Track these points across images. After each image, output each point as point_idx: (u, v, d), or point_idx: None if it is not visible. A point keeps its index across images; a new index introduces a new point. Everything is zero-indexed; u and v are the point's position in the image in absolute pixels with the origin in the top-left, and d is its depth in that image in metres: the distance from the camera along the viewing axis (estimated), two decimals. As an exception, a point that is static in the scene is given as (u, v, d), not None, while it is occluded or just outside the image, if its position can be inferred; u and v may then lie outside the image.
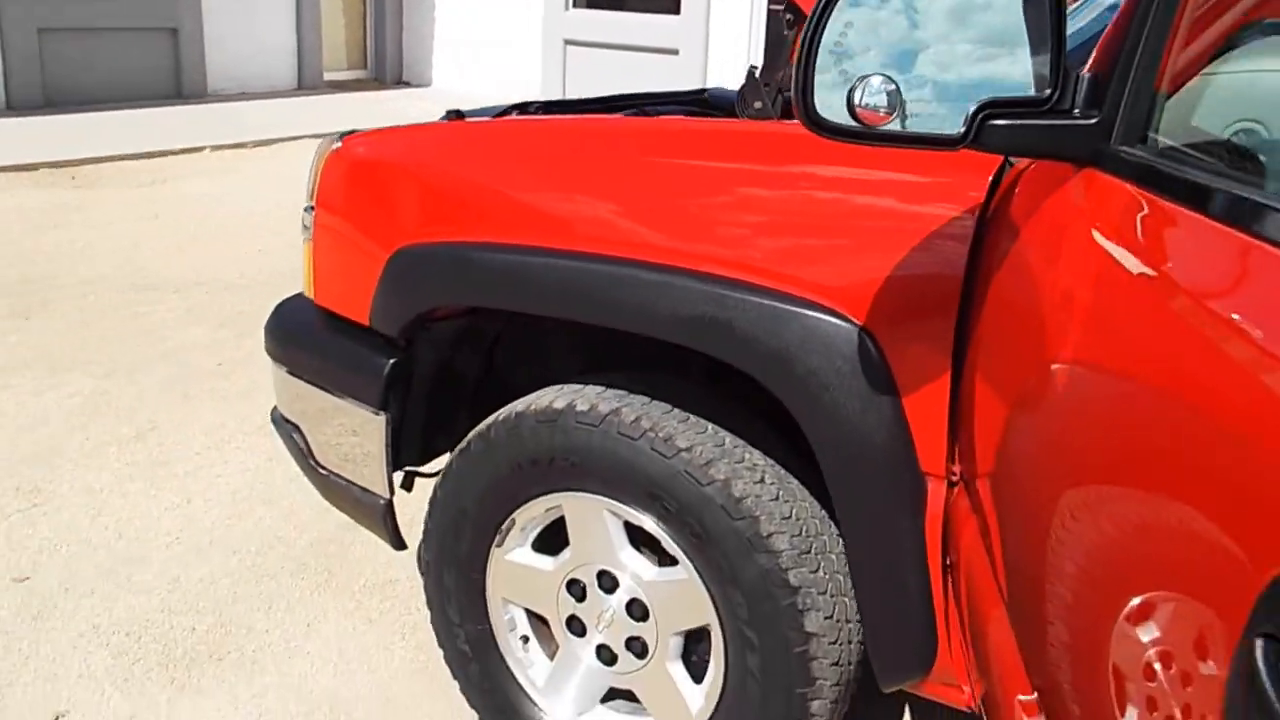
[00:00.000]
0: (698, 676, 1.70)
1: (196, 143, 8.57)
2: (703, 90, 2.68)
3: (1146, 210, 0.96)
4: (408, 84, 12.38)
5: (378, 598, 2.46)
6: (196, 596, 2.43)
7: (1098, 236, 1.01)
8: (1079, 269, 1.01)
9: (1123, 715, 0.86)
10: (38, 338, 4.10)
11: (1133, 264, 0.93)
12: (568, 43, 10.19)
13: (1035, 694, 1.08)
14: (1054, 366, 1.01)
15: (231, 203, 6.74)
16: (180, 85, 11.24)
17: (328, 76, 12.12)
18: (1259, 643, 0.64)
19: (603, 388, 1.67)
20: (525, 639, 1.88)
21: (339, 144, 1.95)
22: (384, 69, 12.49)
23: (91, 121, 9.32)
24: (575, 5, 10.20)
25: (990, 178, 1.34)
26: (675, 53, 9.26)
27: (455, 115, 1.99)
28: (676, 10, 9.37)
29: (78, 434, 3.26)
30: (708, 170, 1.56)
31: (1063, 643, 0.99)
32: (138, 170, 7.77)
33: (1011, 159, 1.34)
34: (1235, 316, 0.79)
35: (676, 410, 1.61)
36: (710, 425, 1.60)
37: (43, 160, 7.60)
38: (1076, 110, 1.06)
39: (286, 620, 2.36)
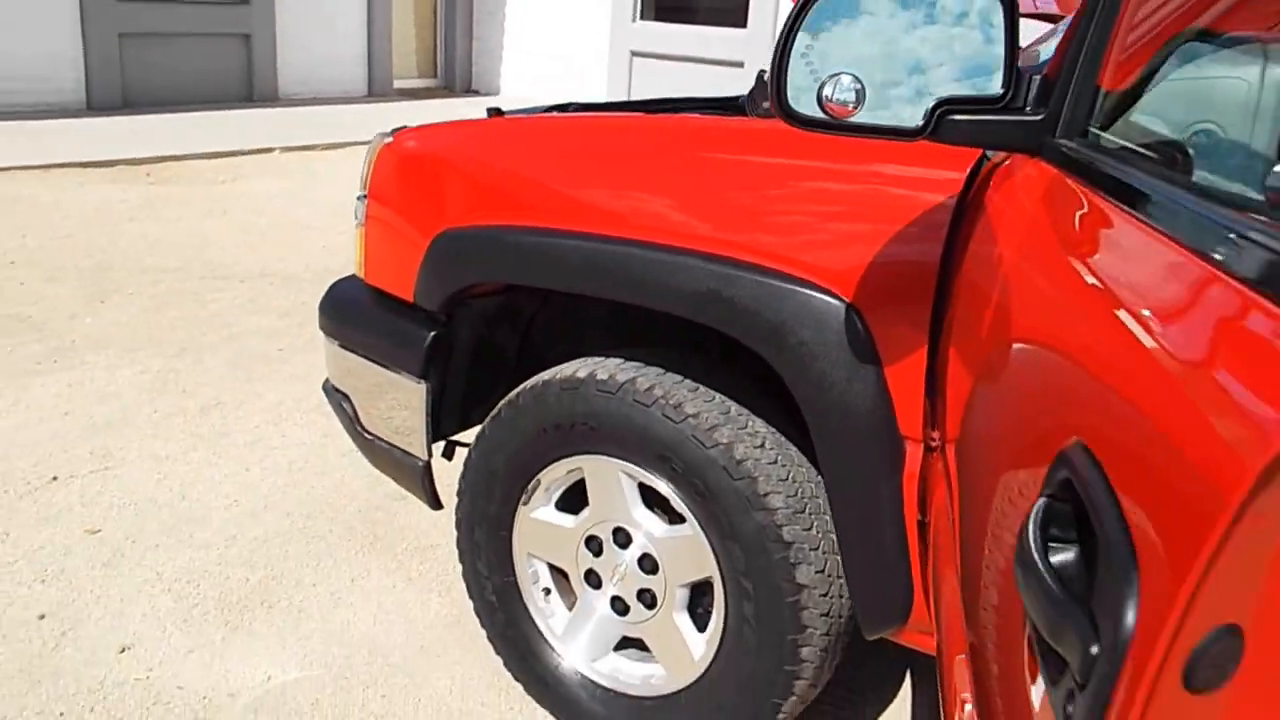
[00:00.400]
0: (701, 626, 1.85)
1: (267, 144, 8.91)
2: (738, 96, 2.84)
3: (1073, 198, 1.09)
4: (476, 92, 12.67)
5: (418, 560, 2.64)
6: (251, 552, 2.64)
7: (1035, 221, 1.15)
8: (1017, 251, 1.15)
9: (1033, 682, 0.87)
10: (112, 320, 4.37)
11: (1053, 246, 1.07)
12: (634, 54, 10.39)
13: (968, 652, 1.18)
14: (993, 340, 1.15)
15: (299, 202, 7.03)
16: (252, 89, 11.64)
17: (398, 84, 12.46)
18: (1039, 502, 0.77)
19: (622, 360, 1.84)
20: (547, 591, 2.04)
21: (391, 138, 2.14)
22: (453, 77, 12.79)
23: (167, 122, 9.71)
24: (642, 17, 10.41)
25: (968, 170, 1.48)
26: (740, 65, 9.39)
27: (495, 112, 2.18)
28: (743, 24, 9.52)
29: (147, 407, 3.50)
30: (716, 162, 1.72)
31: (988, 604, 1.08)
32: (209, 169, 8.10)
33: (989, 154, 1.49)
34: (1126, 298, 0.89)
35: (687, 382, 1.77)
36: (717, 395, 1.75)
37: (120, 158, 7.96)
38: (1027, 107, 1.21)
39: (332, 575, 2.55)
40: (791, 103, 1.17)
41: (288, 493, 2.96)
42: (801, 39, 1.15)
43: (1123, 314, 0.81)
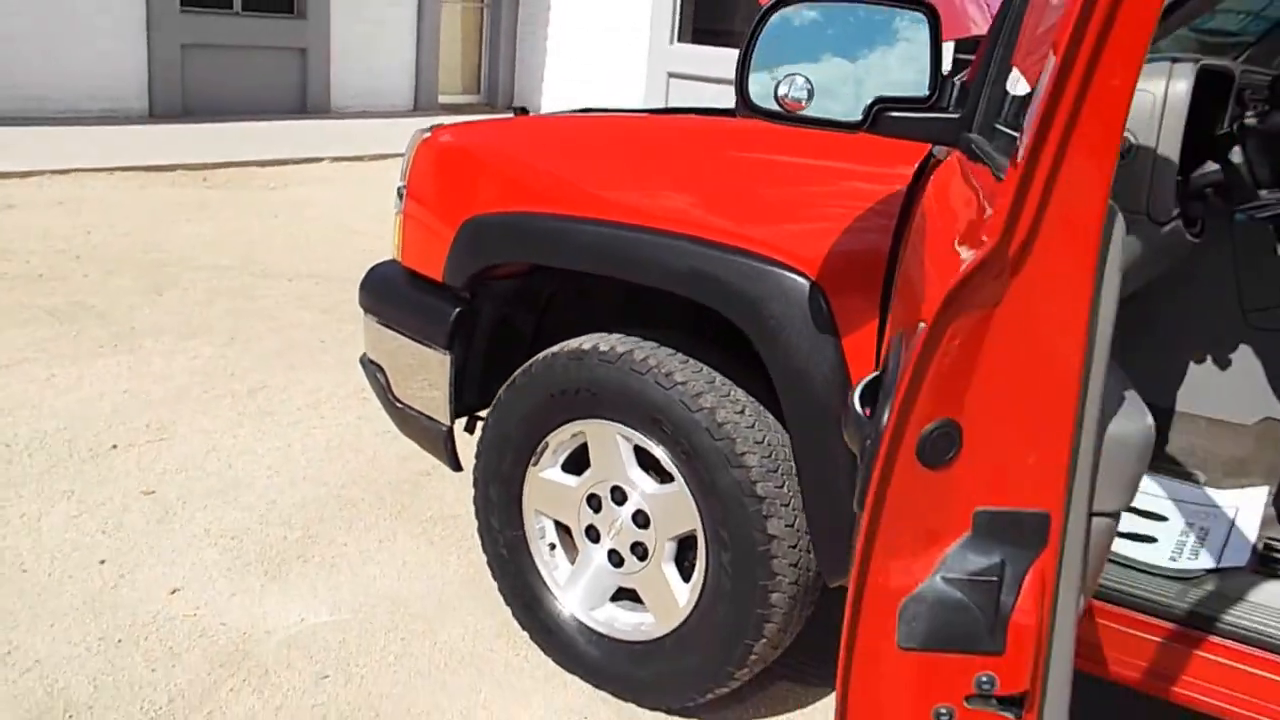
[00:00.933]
0: (686, 577, 2.06)
1: (317, 154, 9.26)
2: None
3: (969, 183, 1.30)
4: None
5: (441, 526, 2.87)
6: (289, 515, 2.88)
7: (933, 205, 1.36)
8: (928, 231, 1.36)
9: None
10: (168, 311, 4.67)
11: (937, 225, 1.28)
12: (671, 75, 10.65)
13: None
14: (905, 316, 1.35)
15: (344, 208, 7.34)
16: (306, 101, 12.04)
17: (442, 99, 12.84)
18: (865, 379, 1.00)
19: (623, 335, 2.06)
20: (552, 545, 2.26)
21: (429, 134, 2.39)
22: (496, 94, 13.15)
23: (224, 131, 10.10)
24: (679, 39, 10.68)
25: (917, 165, 1.70)
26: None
27: (520, 112, 2.42)
28: (775, 47, 9.74)
29: (198, 387, 3.77)
30: (707, 157, 1.94)
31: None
32: (262, 175, 8.45)
33: (935, 151, 1.70)
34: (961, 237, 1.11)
35: (678, 355, 1.99)
36: (705, 368, 1.97)
37: (179, 163, 8.33)
38: (949, 107, 1.42)
39: (363, 537, 2.79)
40: (753, 98, 1.39)
41: (325, 466, 3.21)
42: (762, 44, 1.37)
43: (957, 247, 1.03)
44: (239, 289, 5.13)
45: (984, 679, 0.85)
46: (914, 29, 1.37)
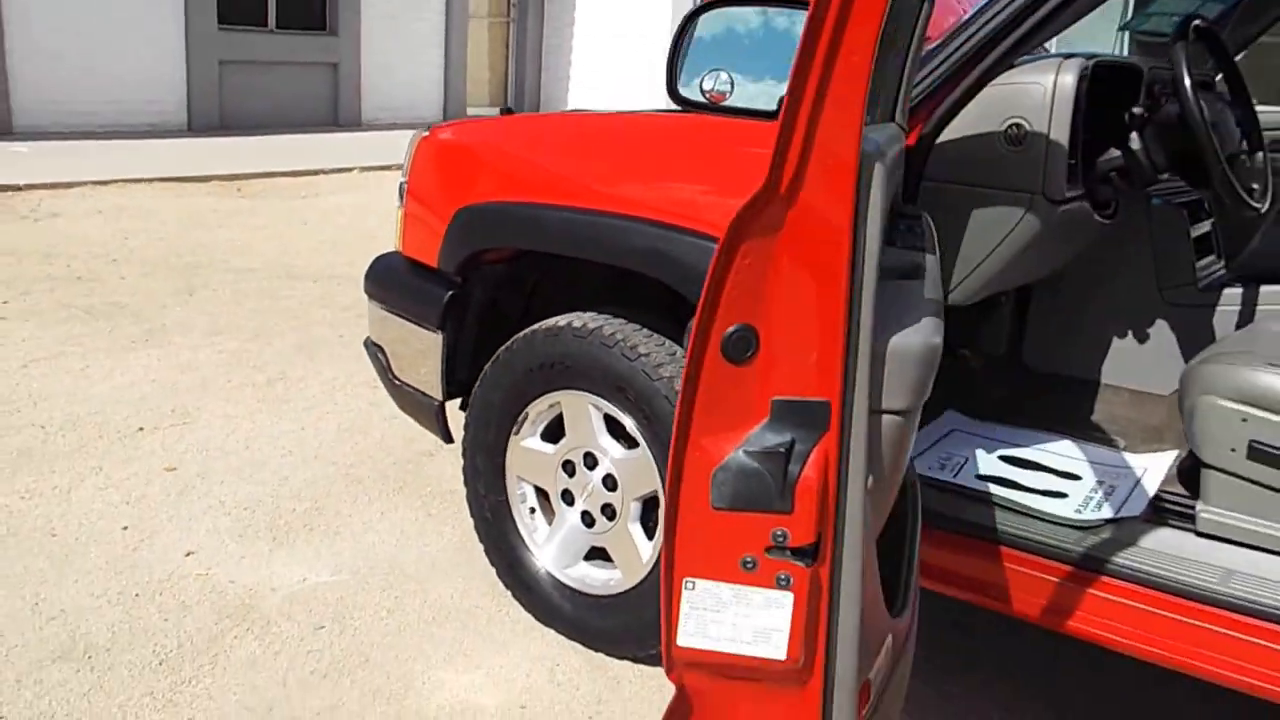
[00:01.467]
0: (650, 535, 2.24)
1: (347, 164, 9.56)
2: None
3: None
4: (542, 121, 13.25)
5: (439, 501, 3.07)
6: (299, 489, 3.09)
7: None
8: None
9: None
10: (198, 309, 4.92)
11: None
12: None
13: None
14: None
15: (370, 214, 7.61)
16: (338, 114, 12.39)
17: (470, 111, 13.14)
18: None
19: (595, 313, 2.24)
20: (532, 509, 2.44)
21: (427, 132, 2.60)
22: (522, 104, 13.42)
23: (259, 143, 10.44)
24: (702, 54, 10.89)
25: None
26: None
27: (507, 111, 2.62)
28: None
29: (221, 377, 4.00)
30: (662, 148, 2.13)
31: None
32: (294, 185, 8.75)
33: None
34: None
35: (644, 330, 2.17)
36: (667, 340, 2.15)
37: (214, 173, 8.65)
38: None
39: (366, 509, 2.99)
40: (681, 90, 1.57)
41: (335, 447, 3.42)
42: (689, 43, 1.56)
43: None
44: (266, 290, 5.38)
45: (779, 533, 1.04)
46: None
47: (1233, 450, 1.79)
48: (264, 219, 7.29)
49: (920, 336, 1.14)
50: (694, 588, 1.09)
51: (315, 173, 9.28)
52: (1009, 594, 1.85)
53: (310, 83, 12.19)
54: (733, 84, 1.54)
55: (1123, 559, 1.77)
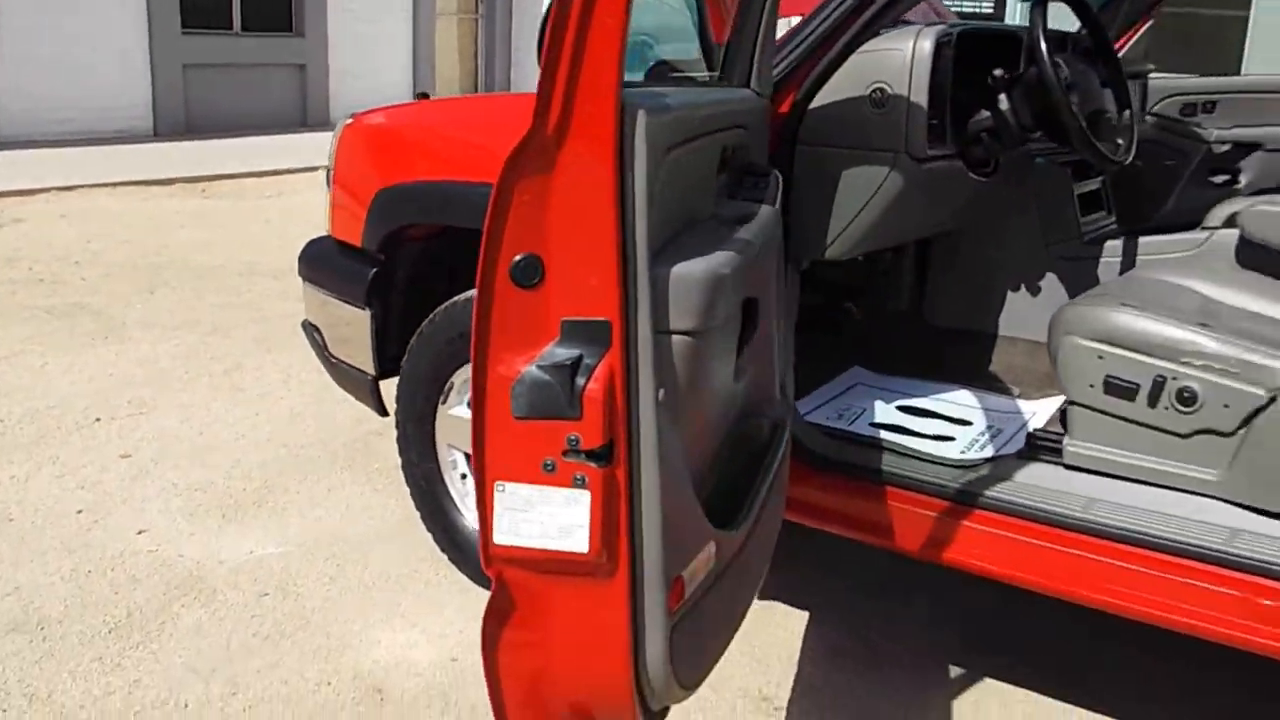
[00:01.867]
0: (571, 492, 2.35)
1: (314, 164, 9.63)
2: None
3: None
4: (510, 116, 13.32)
5: (384, 477, 3.18)
6: (250, 471, 3.20)
7: None
8: None
9: None
10: (159, 307, 5.02)
11: None
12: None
13: None
14: None
15: (333, 211, 7.68)
16: (306, 115, 12.44)
17: (437, 108, 13.20)
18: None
19: (511, 284, 2.36)
20: (464, 475, 2.56)
21: (351, 120, 2.71)
22: (488, 102, 13.49)
23: (225, 146, 10.50)
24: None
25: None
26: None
27: (422, 96, 2.73)
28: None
29: (179, 369, 4.10)
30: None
31: None
32: (259, 185, 8.83)
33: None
34: None
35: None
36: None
37: (179, 176, 8.72)
38: (714, 74, 1.71)
39: (314, 487, 3.11)
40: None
41: (287, 430, 3.52)
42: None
43: None
44: (227, 286, 5.47)
45: (572, 437, 1.17)
46: (691, 6, 1.67)
47: (1091, 386, 1.91)
48: (228, 219, 7.37)
49: (704, 265, 1.27)
50: (505, 490, 1.22)
51: (281, 173, 9.34)
52: (894, 532, 1.97)
53: (277, 85, 12.24)
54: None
55: (997, 493, 1.90)
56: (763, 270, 1.57)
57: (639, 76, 1.70)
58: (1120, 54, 3.47)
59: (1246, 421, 1.78)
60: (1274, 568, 1.67)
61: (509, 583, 1.29)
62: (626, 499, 1.23)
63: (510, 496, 1.23)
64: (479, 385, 1.23)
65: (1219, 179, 3.29)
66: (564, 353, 1.18)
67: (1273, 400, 1.77)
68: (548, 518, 1.22)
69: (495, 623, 1.32)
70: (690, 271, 1.26)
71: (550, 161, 1.17)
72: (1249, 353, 1.80)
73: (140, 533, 2.80)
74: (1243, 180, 3.29)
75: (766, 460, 1.70)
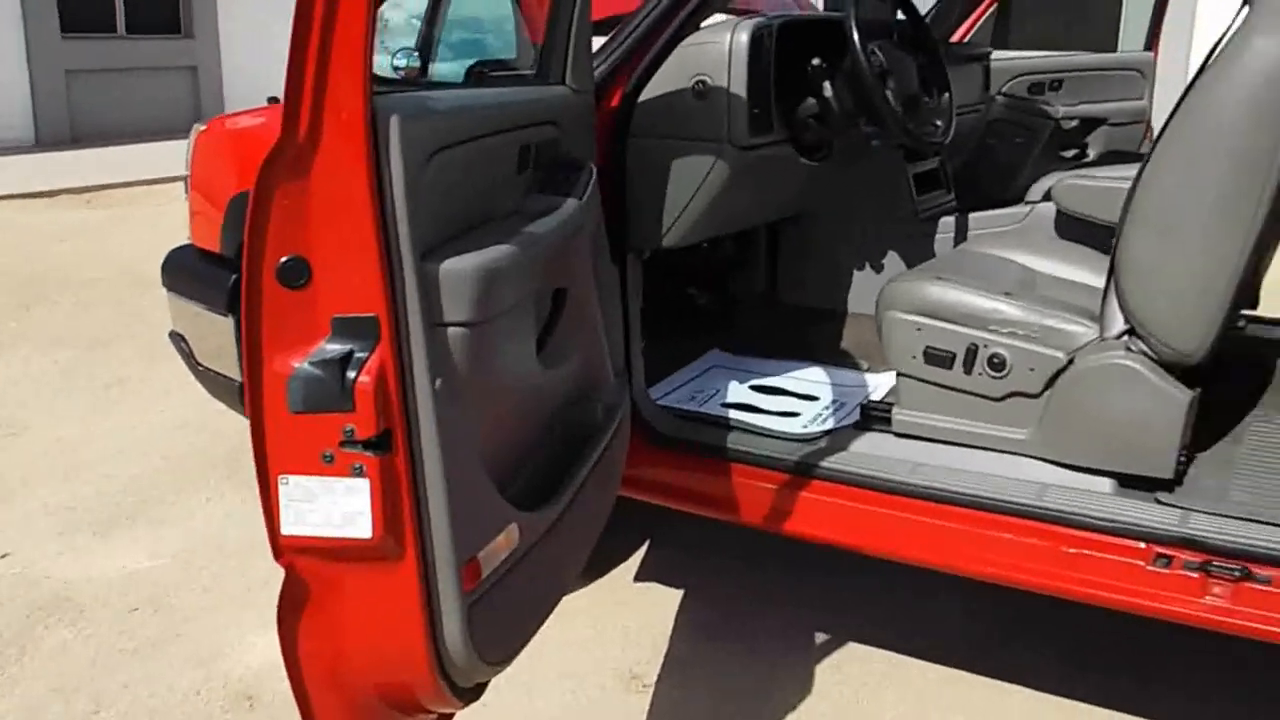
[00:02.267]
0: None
1: (204, 168, 9.42)
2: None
3: None
4: (409, 112, 13.18)
5: (264, 483, 3.16)
6: (125, 485, 3.16)
7: None
8: None
9: None
10: (36, 323, 4.89)
11: None
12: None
13: None
14: None
15: (225, 216, 7.54)
16: (200, 119, 12.15)
17: (336, 108, 12.99)
18: None
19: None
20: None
21: (204, 126, 2.68)
22: (388, 99, 13.32)
23: (113, 154, 10.22)
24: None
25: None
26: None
27: (274, 100, 2.71)
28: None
29: (56, 385, 4.01)
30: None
31: None
32: (149, 194, 8.63)
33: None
34: None
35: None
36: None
37: (62, 187, 8.47)
38: (531, 71, 1.75)
39: (191, 498, 3.08)
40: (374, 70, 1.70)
41: (168, 442, 3.48)
42: (380, 24, 1.69)
43: None
44: (111, 298, 5.35)
45: (348, 428, 1.21)
46: (503, 4, 1.70)
47: (914, 357, 2.00)
48: (115, 230, 7.19)
49: (476, 260, 1.32)
50: (288, 483, 1.26)
51: (173, 180, 9.11)
52: (738, 505, 2.04)
53: (168, 88, 11.93)
54: (426, 58, 1.67)
55: (832, 464, 1.98)
56: (567, 261, 1.62)
57: (460, 76, 1.73)
58: (967, 37, 3.60)
59: (1050, 383, 1.89)
60: (1077, 518, 1.78)
61: (300, 571, 1.32)
62: (409, 485, 1.27)
63: (294, 489, 1.26)
64: (254, 383, 1.25)
65: (1069, 153, 3.42)
66: (335, 348, 1.22)
67: (1070, 362, 1.87)
68: (330, 506, 1.25)
69: (290, 611, 1.35)
70: (461, 266, 1.31)
71: (305, 168, 1.19)
72: (1048, 318, 1.91)
73: (4, 556, 2.75)
74: (1090, 154, 3.44)
75: (591, 443, 1.74)
